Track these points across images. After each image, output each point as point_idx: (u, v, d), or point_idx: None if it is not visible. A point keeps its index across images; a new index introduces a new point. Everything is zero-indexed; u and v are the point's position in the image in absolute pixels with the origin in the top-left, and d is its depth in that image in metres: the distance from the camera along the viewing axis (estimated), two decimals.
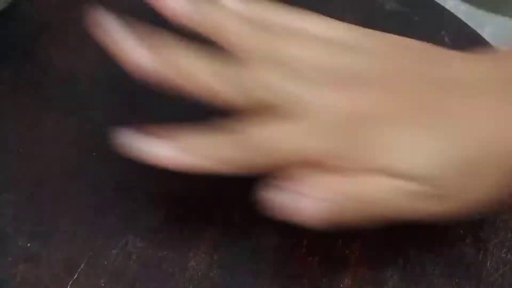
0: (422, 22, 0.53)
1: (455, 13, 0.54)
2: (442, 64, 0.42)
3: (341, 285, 0.43)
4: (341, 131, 0.40)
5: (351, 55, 0.42)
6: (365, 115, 0.40)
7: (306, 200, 0.39)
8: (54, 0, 0.50)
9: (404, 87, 0.41)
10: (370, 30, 0.43)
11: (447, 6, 0.54)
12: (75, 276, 0.42)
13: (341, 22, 0.43)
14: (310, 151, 0.40)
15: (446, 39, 0.52)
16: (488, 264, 0.44)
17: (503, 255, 0.45)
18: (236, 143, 0.40)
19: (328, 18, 0.43)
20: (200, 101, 0.41)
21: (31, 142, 0.46)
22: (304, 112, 0.40)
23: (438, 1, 0.54)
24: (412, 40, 0.43)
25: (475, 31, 0.53)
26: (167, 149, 0.40)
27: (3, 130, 0.46)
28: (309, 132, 0.40)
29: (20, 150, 0.45)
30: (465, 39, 0.52)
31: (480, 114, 0.40)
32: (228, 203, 0.45)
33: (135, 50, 0.40)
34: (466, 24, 0.53)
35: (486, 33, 0.54)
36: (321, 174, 0.40)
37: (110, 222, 0.44)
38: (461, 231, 0.45)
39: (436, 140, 0.40)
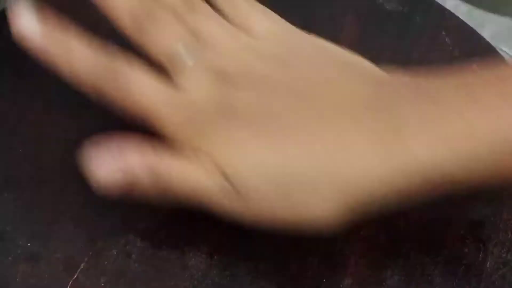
0: (423, 22, 0.53)
1: (455, 13, 0.54)
2: (333, 86, 0.41)
3: (341, 286, 0.43)
4: (197, 116, 0.41)
5: (263, 59, 0.42)
6: (226, 109, 0.41)
7: (103, 164, 0.40)
8: (55, 0, 0.50)
9: (278, 102, 0.41)
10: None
11: (447, 6, 0.54)
12: (75, 276, 0.42)
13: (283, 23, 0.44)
14: (159, 115, 0.41)
15: (447, 39, 0.52)
16: (488, 264, 0.44)
17: (503, 255, 0.45)
18: (108, 67, 0.41)
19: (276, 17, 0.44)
20: None
21: (32, 141, 0.46)
22: (180, 82, 0.41)
23: (438, 1, 0.54)
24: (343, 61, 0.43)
25: (476, 31, 0.53)
26: None
27: (3, 130, 0.46)
28: (170, 98, 0.41)
29: (20, 150, 0.45)
30: (466, 39, 0.52)
31: (327, 137, 0.40)
32: None
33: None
34: (466, 24, 0.53)
35: (486, 33, 0.55)
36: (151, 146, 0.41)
37: (110, 222, 0.44)
38: (461, 231, 0.45)
39: (275, 149, 0.40)
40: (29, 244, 0.42)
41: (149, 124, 0.41)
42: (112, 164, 0.40)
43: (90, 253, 0.43)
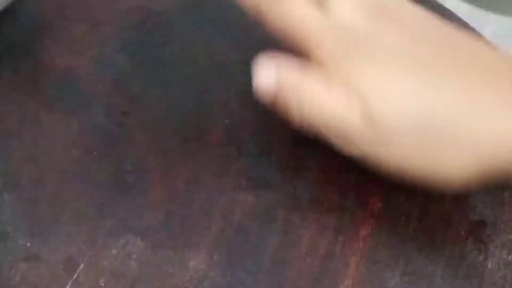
0: None
1: (456, 13, 0.54)
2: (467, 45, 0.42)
3: (341, 286, 0.43)
4: (348, 40, 0.41)
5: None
6: (377, 42, 0.41)
7: (264, 72, 0.42)
8: (55, 0, 0.50)
9: (427, 49, 0.41)
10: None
11: (448, 6, 0.54)
12: (75, 276, 0.42)
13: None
14: (313, 38, 0.41)
15: None
16: (489, 265, 0.44)
17: (504, 256, 0.44)
18: None
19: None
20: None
21: (32, 141, 0.46)
22: (333, 7, 0.42)
23: (439, 1, 0.54)
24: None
25: (476, 31, 0.53)
26: None
27: (3, 129, 0.46)
28: (324, 22, 0.41)
29: (21, 149, 0.45)
30: None
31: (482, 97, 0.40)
32: (229, 203, 0.45)
33: None
34: (467, 24, 0.53)
35: (487, 33, 0.54)
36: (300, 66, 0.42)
37: (110, 222, 0.44)
38: (462, 232, 0.45)
39: (423, 93, 0.40)
40: (29, 244, 0.42)
41: (301, 47, 0.42)
42: (269, 69, 0.42)
43: (90, 253, 0.43)
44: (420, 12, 0.43)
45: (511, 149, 0.39)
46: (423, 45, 0.41)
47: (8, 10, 0.48)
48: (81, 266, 0.42)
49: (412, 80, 0.40)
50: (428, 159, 0.40)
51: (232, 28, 0.50)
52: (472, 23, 0.53)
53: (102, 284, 0.42)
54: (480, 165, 0.39)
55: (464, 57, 0.41)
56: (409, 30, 0.42)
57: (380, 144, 0.40)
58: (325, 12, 0.42)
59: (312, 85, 0.41)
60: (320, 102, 0.41)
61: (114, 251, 0.43)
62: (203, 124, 0.47)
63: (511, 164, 0.39)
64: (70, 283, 0.42)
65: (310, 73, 0.42)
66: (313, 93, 0.41)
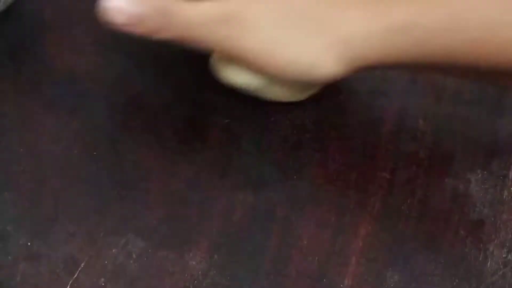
0: None
1: None
2: None
3: (341, 286, 0.43)
4: None
5: None
6: None
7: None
8: (56, 1, 0.50)
9: None
10: None
11: None
12: (76, 275, 0.42)
13: None
14: None
15: None
16: (488, 265, 0.44)
17: (503, 256, 0.45)
18: None
19: None
20: None
21: (32, 141, 0.46)
22: None
23: None
24: None
25: None
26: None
27: (4, 129, 0.46)
28: None
29: (21, 149, 0.45)
30: None
31: None
32: (228, 203, 0.45)
33: None
34: None
35: None
36: None
37: (111, 222, 0.44)
38: (462, 232, 0.45)
39: None
40: (29, 244, 0.42)
41: None
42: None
43: (91, 252, 0.43)
44: None
45: (363, 38, 0.42)
46: None
47: (9, 11, 0.48)
48: (82, 265, 0.42)
49: None
50: (286, 44, 0.42)
51: None
52: None
53: (103, 283, 0.42)
54: (337, 51, 0.42)
55: None
56: None
57: (242, 34, 0.42)
58: None
59: (180, 3, 0.42)
60: (183, 12, 0.42)
61: (114, 251, 0.43)
62: (203, 124, 0.47)
63: (369, 46, 0.42)
64: (70, 282, 0.42)
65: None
66: (175, 7, 0.42)
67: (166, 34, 0.43)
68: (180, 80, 0.48)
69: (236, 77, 0.45)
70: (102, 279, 0.42)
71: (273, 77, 0.44)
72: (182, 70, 0.49)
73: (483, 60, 0.42)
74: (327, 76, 0.43)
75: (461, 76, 0.47)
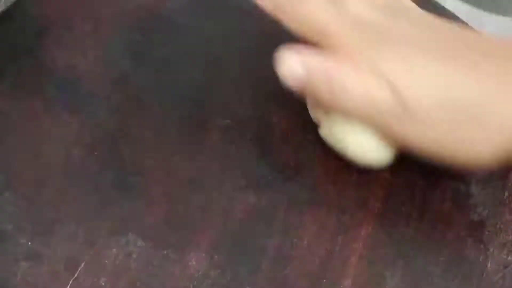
0: None
1: (456, 13, 0.54)
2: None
3: (341, 286, 0.43)
4: (366, 29, 0.43)
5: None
6: (397, 34, 0.43)
7: (289, 61, 0.44)
8: (56, 1, 0.50)
9: (439, 39, 0.44)
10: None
11: (447, 6, 0.54)
12: (76, 275, 0.42)
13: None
14: (333, 31, 0.43)
15: None
16: (488, 266, 0.44)
17: (503, 257, 0.45)
18: None
19: None
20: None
21: (33, 141, 0.46)
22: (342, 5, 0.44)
23: (439, 1, 0.54)
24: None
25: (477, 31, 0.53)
26: None
27: (5, 129, 0.46)
28: (339, 15, 0.44)
29: (22, 149, 0.45)
30: None
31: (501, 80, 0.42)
32: (228, 203, 0.45)
33: None
34: (467, 24, 0.53)
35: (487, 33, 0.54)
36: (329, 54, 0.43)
37: (111, 221, 0.44)
38: (462, 233, 0.45)
39: (445, 74, 0.42)
40: (30, 243, 0.42)
41: (321, 44, 0.43)
42: (295, 58, 0.43)
43: (91, 252, 0.43)
44: (421, 11, 0.46)
45: None
46: (437, 37, 0.43)
47: (10, 11, 0.48)
48: (82, 265, 0.42)
49: (438, 66, 0.42)
50: (455, 137, 0.42)
51: (234, 30, 0.50)
52: (472, 23, 0.53)
53: (103, 283, 0.42)
54: (506, 144, 0.41)
55: (477, 47, 0.43)
56: (420, 25, 0.44)
57: (410, 122, 0.42)
58: (342, 11, 0.44)
59: (341, 69, 0.43)
60: (351, 85, 0.43)
61: (114, 250, 0.43)
62: (204, 124, 0.47)
63: None
64: (70, 282, 0.42)
65: (337, 61, 0.43)
66: (343, 77, 0.43)
67: (328, 103, 0.44)
68: (181, 80, 0.48)
69: (364, 154, 0.45)
70: (102, 279, 0.42)
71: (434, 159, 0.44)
72: (183, 70, 0.49)
73: None
74: (484, 165, 0.43)
75: None
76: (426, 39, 0.43)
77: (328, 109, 0.44)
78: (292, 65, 0.44)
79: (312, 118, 0.46)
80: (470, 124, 0.41)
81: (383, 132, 0.43)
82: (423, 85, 0.42)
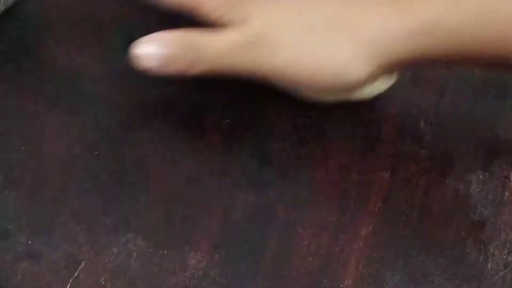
0: None
1: None
2: None
3: (342, 286, 0.43)
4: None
5: None
6: None
7: (143, 44, 0.43)
8: (57, 0, 0.50)
9: None
10: None
11: None
12: (76, 274, 0.42)
13: None
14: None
15: None
16: (489, 266, 0.44)
17: (504, 257, 0.44)
18: None
19: None
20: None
21: (34, 139, 0.46)
22: None
23: None
24: None
25: None
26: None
27: (6, 127, 0.46)
28: None
29: (23, 148, 0.45)
30: None
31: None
32: (229, 203, 0.45)
33: None
34: None
35: None
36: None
37: (111, 220, 0.44)
38: (462, 232, 0.45)
39: (297, 6, 0.43)
40: (30, 242, 0.43)
41: (193, 13, 0.44)
42: (146, 41, 0.43)
43: (91, 251, 0.43)
44: None
45: (386, 34, 0.42)
46: None
47: (11, 10, 0.48)
48: (82, 264, 0.42)
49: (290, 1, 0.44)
50: (313, 57, 0.43)
51: None
52: None
53: (103, 282, 0.42)
54: (366, 53, 0.42)
55: None
56: None
57: (270, 54, 0.43)
58: None
59: (198, 34, 0.43)
60: (208, 43, 0.43)
61: (115, 250, 0.43)
62: (204, 123, 0.47)
63: (397, 46, 0.42)
64: (71, 281, 0.42)
65: (196, 29, 0.44)
66: (200, 39, 0.43)
67: (198, 68, 0.44)
68: (182, 80, 0.48)
69: None
70: (102, 278, 0.42)
71: (307, 87, 0.45)
72: None
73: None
74: (359, 79, 0.43)
75: (487, 68, 0.47)
76: None
77: (197, 73, 0.44)
78: (146, 50, 0.43)
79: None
80: (327, 42, 0.43)
81: (257, 75, 0.44)
82: (278, 18, 0.43)
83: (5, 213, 0.43)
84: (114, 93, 0.47)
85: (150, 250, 0.43)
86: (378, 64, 0.42)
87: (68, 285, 0.42)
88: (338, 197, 0.45)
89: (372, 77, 0.43)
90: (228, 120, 0.47)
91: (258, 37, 0.43)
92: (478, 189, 0.46)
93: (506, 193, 0.46)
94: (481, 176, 0.46)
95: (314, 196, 0.45)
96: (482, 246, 0.45)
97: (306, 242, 0.44)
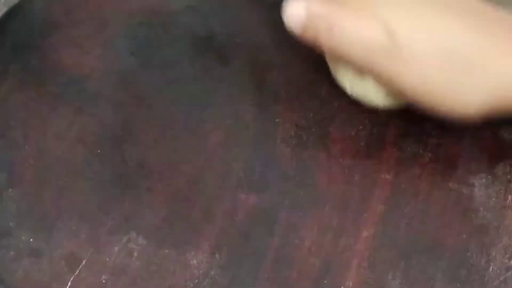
0: None
1: None
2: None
3: (342, 287, 0.43)
4: None
5: None
6: None
7: (294, 5, 0.45)
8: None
9: None
10: None
11: None
12: (77, 272, 0.42)
13: None
14: None
15: None
16: (490, 270, 0.44)
17: (505, 261, 0.44)
18: None
19: None
20: None
21: (37, 138, 0.46)
22: None
23: None
24: None
25: None
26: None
27: (9, 126, 0.46)
28: None
29: (26, 147, 0.46)
30: None
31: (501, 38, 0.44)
32: (230, 203, 0.45)
33: None
34: None
35: None
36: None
37: (113, 219, 0.44)
38: (464, 236, 0.45)
39: (445, 25, 0.43)
40: (31, 240, 0.43)
41: None
42: (299, 2, 0.45)
43: (92, 249, 0.43)
44: None
45: None
46: None
47: (16, 9, 0.49)
48: (83, 262, 0.42)
49: (437, 15, 0.44)
50: (446, 83, 0.43)
51: (240, 29, 0.50)
52: None
53: (104, 281, 0.42)
54: (491, 93, 0.43)
55: (480, 10, 0.45)
56: None
57: (404, 65, 0.43)
58: None
59: (341, 13, 0.44)
60: (348, 27, 0.44)
61: (116, 248, 0.43)
62: (207, 124, 0.47)
63: None
64: (72, 279, 0.42)
65: (339, 7, 0.45)
66: (341, 19, 0.44)
67: (334, 51, 0.45)
68: (183, 80, 0.48)
69: (365, 93, 0.47)
70: (103, 277, 0.42)
71: (424, 107, 0.45)
72: (185, 70, 0.49)
73: None
74: (469, 115, 0.44)
75: None
76: None
77: (330, 53, 0.46)
78: (295, 8, 0.45)
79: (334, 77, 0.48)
80: (462, 73, 0.43)
81: (379, 75, 0.44)
82: (419, 31, 0.43)
83: (7, 211, 0.43)
84: (118, 93, 0.47)
85: (151, 249, 0.43)
86: (496, 107, 0.44)
87: (69, 284, 0.42)
88: (340, 199, 0.45)
89: (485, 114, 0.44)
90: (231, 121, 0.47)
91: (400, 50, 0.43)
92: (481, 193, 0.46)
93: (509, 197, 0.46)
94: (484, 180, 0.46)
95: (316, 198, 0.45)
96: (484, 250, 0.45)
97: (307, 244, 0.44)
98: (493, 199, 0.46)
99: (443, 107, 0.44)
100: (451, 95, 0.43)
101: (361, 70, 0.45)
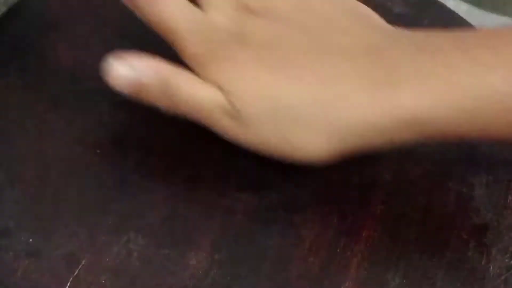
0: (431, 25, 0.53)
1: (456, 13, 0.54)
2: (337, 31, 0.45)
3: (342, 287, 0.43)
4: (214, 37, 0.44)
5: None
6: (243, 41, 0.44)
7: (117, 65, 0.43)
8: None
9: (289, 38, 0.44)
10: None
11: (448, 6, 0.54)
12: (76, 273, 0.42)
13: None
14: (180, 33, 0.43)
15: None
16: (491, 269, 0.44)
17: (506, 261, 0.44)
18: None
19: None
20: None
21: (36, 138, 0.46)
22: (206, 7, 0.44)
23: (440, 1, 0.54)
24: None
25: None
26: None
27: (8, 126, 0.46)
28: (193, 18, 0.44)
29: (24, 146, 0.45)
30: None
31: (333, 76, 0.43)
32: (230, 202, 0.45)
33: None
34: (467, 23, 0.53)
35: None
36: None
37: (112, 219, 0.44)
38: (465, 235, 0.45)
39: (277, 86, 0.43)
40: (30, 240, 0.43)
41: (170, 42, 0.44)
42: (122, 63, 0.43)
43: (92, 250, 0.43)
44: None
45: (360, 121, 0.42)
46: (285, 34, 0.44)
47: (15, 8, 0.49)
48: (83, 262, 0.42)
49: (269, 74, 0.43)
50: (282, 139, 0.43)
51: None
52: (472, 23, 0.53)
53: (103, 281, 0.42)
54: (334, 141, 0.42)
55: (324, 38, 0.44)
56: (281, 24, 0.45)
57: (242, 128, 0.43)
58: (197, 14, 0.44)
59: (174, 73, 0.43)
60: (182, 89, 0.43)
61: (115, 248, 0.43)
62: None
63: (369, 138, 0.42)
64: (71, 279, 0.42)
65: (180, 70, 0.44)
66: (175, 80, 0.43)
67: (172, 111, 0.44)
68: None
69: None
70: (103, 277, 0.42)
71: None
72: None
73: None
74: (320, 160, 0.43)
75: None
76: (273, 44, 0.44)
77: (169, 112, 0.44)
78: (119, 70, 0.43)
79: None
80: (295, 126, 0.42)
81: (222, 134, 0.44)
82: (253, 94, 0.43)
83: (6, 211, 0.43)
84: (117, 93, 0.47)
85: (151, 249, 0.43)
86: (345, 150, 0.43)
87: (68, 284, 0.42)
88: (340, 199, 0.45)
89: (336, 158, 0.43)
90: None
91: (238, 112, 0.43)
92: (481, 192, 0.46)
93: (509, 197, 0.46)
94: (484, 179, 0.46)
95: (316, 198, 0.45)
96: (484, 250, 0.45)
97: (307, 244, 0.44)
98: (493, 198, 0.46)
99: (292, 159, 0.44)
100: (291, 149, 0.43)
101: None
